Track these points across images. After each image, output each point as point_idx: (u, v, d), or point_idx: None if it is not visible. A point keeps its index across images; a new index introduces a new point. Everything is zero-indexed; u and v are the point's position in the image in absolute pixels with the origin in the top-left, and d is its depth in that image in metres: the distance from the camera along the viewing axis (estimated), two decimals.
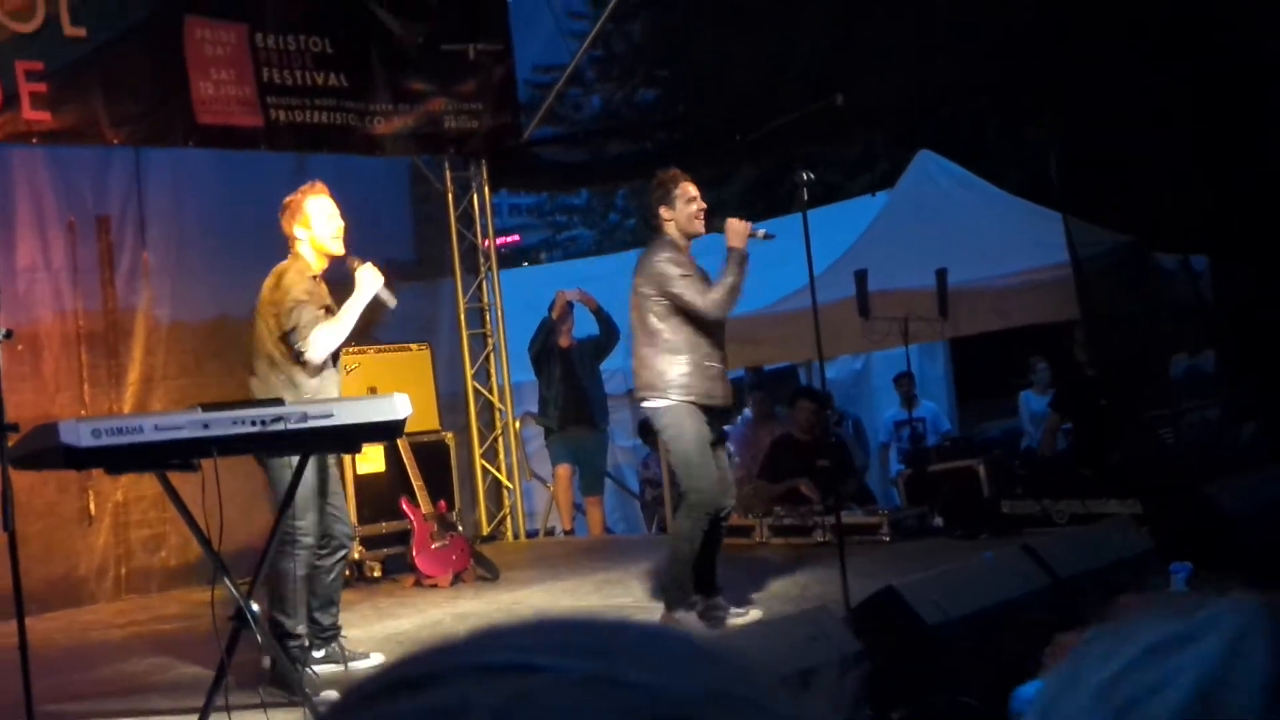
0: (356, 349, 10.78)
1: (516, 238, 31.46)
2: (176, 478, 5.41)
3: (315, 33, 10.97)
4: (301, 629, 6.61)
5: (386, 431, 5.73)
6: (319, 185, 7.08)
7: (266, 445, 5.35)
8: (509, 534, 12.83)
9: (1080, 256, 9.38)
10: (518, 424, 13.24)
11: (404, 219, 12.87)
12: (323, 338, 6.70)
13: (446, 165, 12.77)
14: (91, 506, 10.51)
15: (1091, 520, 9.35)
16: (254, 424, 5.27)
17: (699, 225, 7.21)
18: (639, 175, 15.63)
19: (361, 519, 10.41)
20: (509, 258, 26.83)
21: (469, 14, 12.13)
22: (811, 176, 6.88)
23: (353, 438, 5.75)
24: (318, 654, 7.19)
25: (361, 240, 12.49)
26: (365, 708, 0.78)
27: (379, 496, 10.51)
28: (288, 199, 7.09)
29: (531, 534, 13.02)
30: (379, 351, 10.97)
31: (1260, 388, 9.66)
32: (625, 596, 8.72)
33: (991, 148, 15.45)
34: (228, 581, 5.34)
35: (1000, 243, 10.62)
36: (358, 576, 10.38)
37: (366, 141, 11.44)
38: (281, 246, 11.70)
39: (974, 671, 5.21)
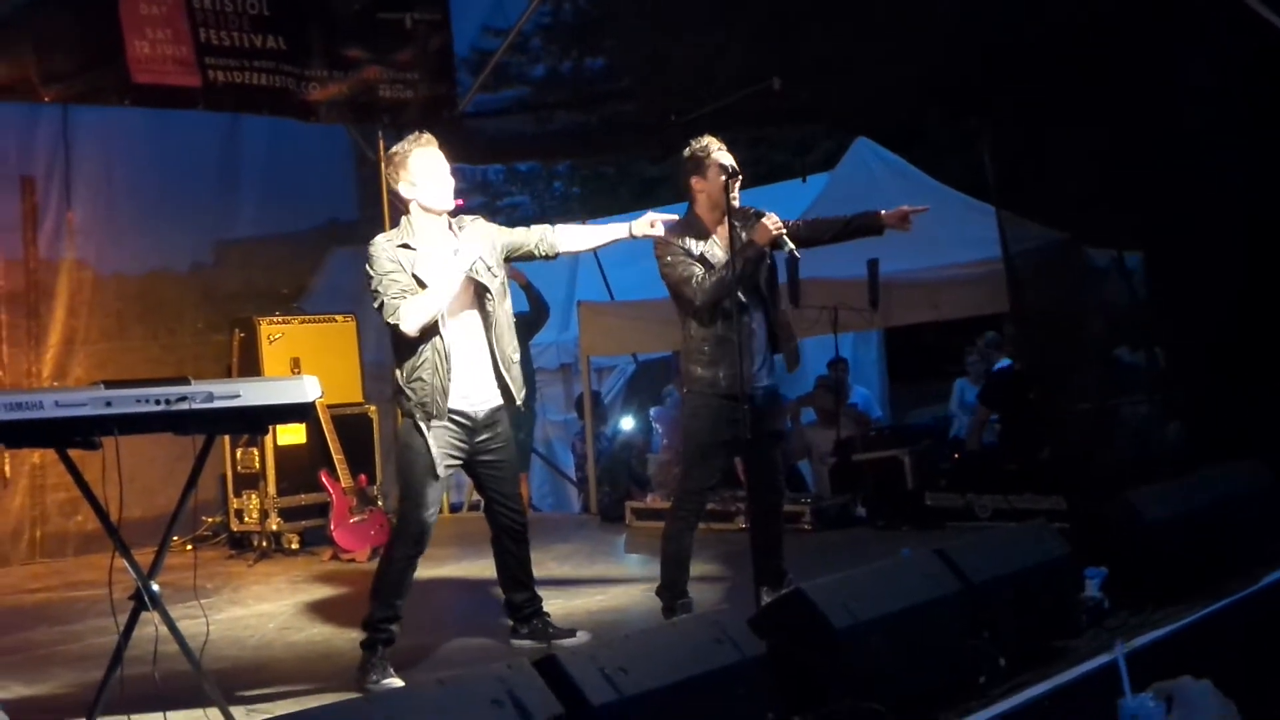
0: (280, 319, 10.66)
1: (460, 201, 31.11)
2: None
3: None
4: (381, 615, 6.34)
5: (295, 413, 5.58)
6: (426, 136, 6.45)
7: (170, 424, 5.22)
8: None
9: (1012, 252, 9.34)
10: None
11: (346, 185, 12.72)
12: (414, 309, 6.23)
13: (380, 135, 12.60)
14: (7, 469, 10.41)
15: (1015, 516, 9.35)
16: (158, 403, 5.16)
17: (731, 197, 6.84)
18: (576, 152, 15.50)
19: (280, 491, 10.38)
20: None
21: None
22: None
23: (260, 419, 5.62)
24: (521, 629, 6.96)
25: (300, 205, 12.46)
26: None
27: (299, 468, 10.44)
28: (392, 150, 6.53)
29: (455, 508, 12.93)
30: (303, 322, 10.81)
31: (1187, 388, 9.64)
32: (539, 577, 8.64)
33: (931, 135, 15.39)
34: (126, 561, 5.21)
35: (934, 235, 10.54)
36: (275, 548, 10.32)
37: (302, 107, 11.23)
38: (213, 210, 11.67)
39: (881, 676, 5.17)
